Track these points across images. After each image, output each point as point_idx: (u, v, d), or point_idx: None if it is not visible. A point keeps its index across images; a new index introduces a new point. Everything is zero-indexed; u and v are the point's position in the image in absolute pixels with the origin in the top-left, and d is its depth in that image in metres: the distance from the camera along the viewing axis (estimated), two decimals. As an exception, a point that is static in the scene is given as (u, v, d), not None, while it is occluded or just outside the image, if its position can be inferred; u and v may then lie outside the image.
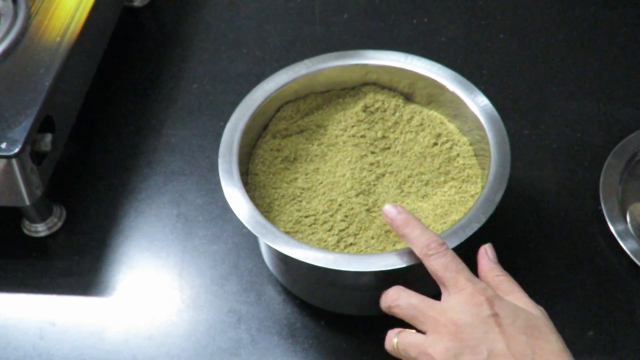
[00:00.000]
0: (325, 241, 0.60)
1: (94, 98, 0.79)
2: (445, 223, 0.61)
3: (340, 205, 0.62)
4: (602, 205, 0.68)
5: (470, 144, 0.66)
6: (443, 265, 0.52)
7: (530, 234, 0.69)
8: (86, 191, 0.74)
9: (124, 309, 0.66)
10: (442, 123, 0.68)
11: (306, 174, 0.65)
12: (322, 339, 0.63)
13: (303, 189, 0.63)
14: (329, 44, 0.87)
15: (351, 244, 0.60)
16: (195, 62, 0.86)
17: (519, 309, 0.50)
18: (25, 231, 0.71)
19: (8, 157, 0.61)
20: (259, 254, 0.67)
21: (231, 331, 0.64)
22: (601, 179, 0.70)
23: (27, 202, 0.66)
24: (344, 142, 0.66)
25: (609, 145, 0.74)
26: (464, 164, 0.65)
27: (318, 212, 0.61)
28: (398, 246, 0.59)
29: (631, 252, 0.66)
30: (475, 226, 0.57)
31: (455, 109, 0.67)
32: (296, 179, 0.64)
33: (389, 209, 0.56)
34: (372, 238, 0.60)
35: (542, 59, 0.84)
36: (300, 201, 0.63)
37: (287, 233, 0.60)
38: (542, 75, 0.82)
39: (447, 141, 0.66)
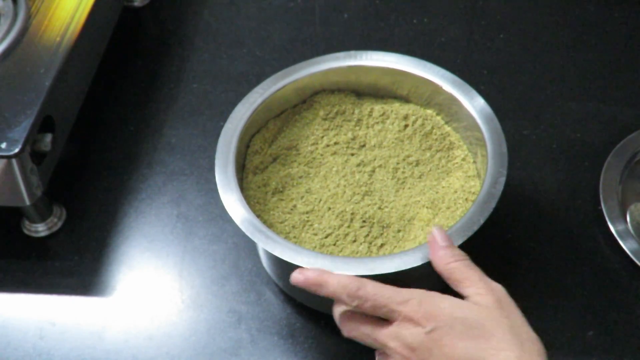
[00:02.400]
0: (357, 252, 0.59)
1: (94, 98, 0.79)
2: (456, 192, 0.61)
3: (353, 214, 0.61)
4: (602, 205, 0.68)
5: (437, 114, 0.68)
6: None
7: (530, 234, 0.69)
8: (86, 191, 0.74)
9: (124, 309, 0.66)
10: (401, 105, 0.68)
11: (301, 198, 0.63)
12: (322, 339, 0.63)
13: (307, 212, 0.62)
14: (329, 44, 0.87)
15: (382, 245, 0.60)
16: (195, 62, 0.86)
17: (453, 316, 0.48)
18: (25, 231, 0.71)
19: (8, 157, 0.61)
20: (259, 254, 0.67)
21: (231, 331, 0.64)
22: (601, 179, 0.70)
23: (27, 202, 0.66)
24: (322, 155, 0.66)
25: (609, 145, 0.74)
26: (442, 134, 0.66)
27: (335, 228, 0.60)
28: (428, 228, 0.59)
29: (631, 252, 0.66)
30: (502, 180, 0.58)
31: (405, 89, 0.68)
32: (295, 206, 0.63)
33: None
34: (399, 231, 0.60)
35: (542, 59, 0.84)
36: (312, 225, 0.61)
37: None
38: (542, 75, 0.82)
39: (416, 120, 0.67)
